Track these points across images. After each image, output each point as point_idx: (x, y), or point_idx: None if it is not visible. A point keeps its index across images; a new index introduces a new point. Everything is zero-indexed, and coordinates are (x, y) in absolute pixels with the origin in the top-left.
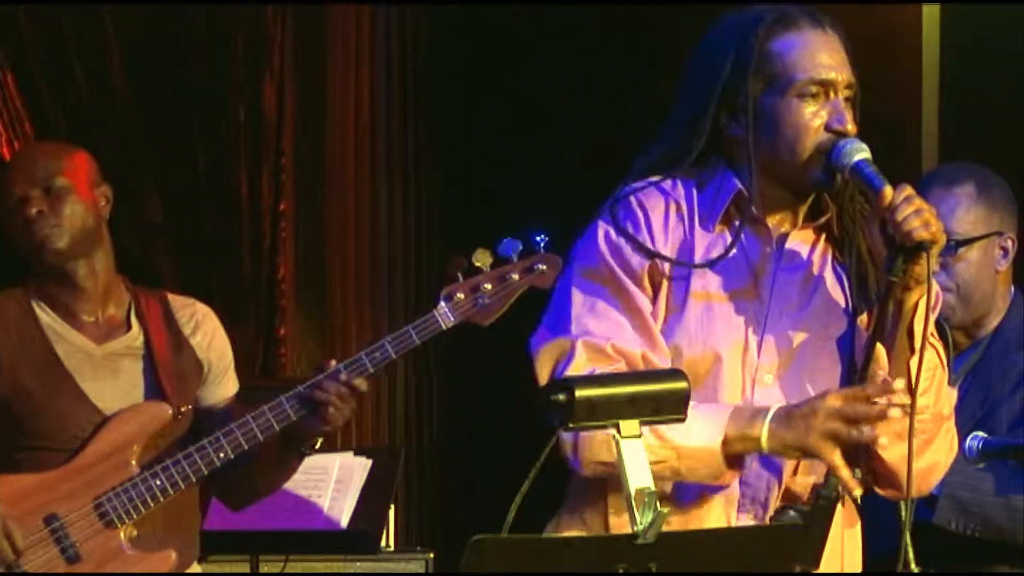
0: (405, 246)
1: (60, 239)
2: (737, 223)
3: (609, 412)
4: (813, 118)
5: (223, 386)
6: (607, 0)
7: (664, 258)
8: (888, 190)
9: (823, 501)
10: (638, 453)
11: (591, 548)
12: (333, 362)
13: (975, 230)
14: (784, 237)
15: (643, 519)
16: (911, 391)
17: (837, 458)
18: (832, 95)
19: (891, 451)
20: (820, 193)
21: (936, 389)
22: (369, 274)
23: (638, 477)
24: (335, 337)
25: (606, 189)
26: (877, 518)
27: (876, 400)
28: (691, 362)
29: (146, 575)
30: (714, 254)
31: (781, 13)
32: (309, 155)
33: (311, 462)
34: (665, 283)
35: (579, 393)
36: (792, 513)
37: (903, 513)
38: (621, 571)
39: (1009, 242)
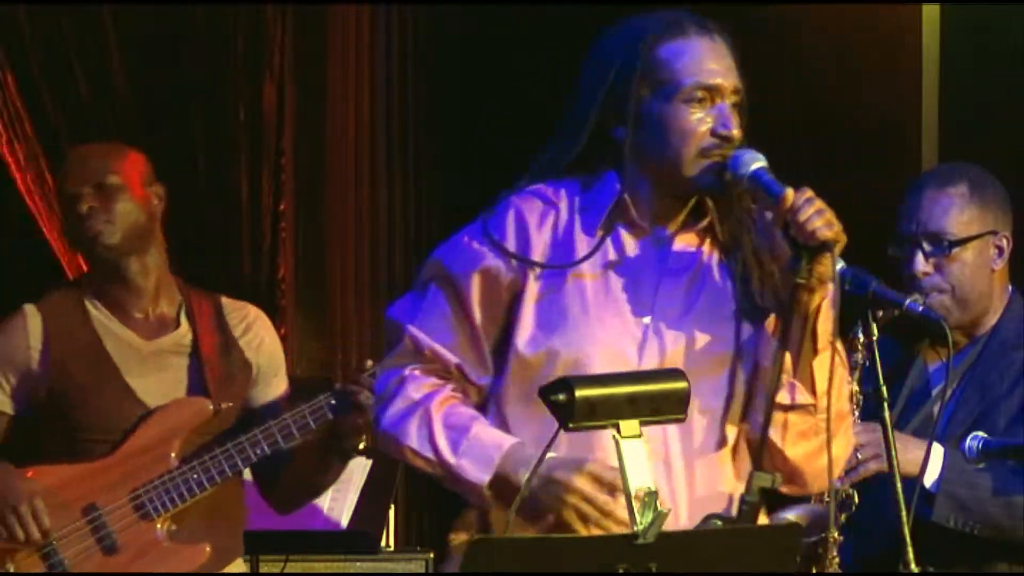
0: (405, 246)
1: (112, 235)
2: (617, 226)
3: (609, 412)
4: (699, 123)
5: (273, 388)
6: (607, 1)
7: (530, 262)
8: (790, 192)
9: (747, 507)
10: (638, 453)
11: (591, 548)
12: (370, 362)
13: (969, 230)
14: (668, 240)
15: (643, 519)
16: (817, 390)
17: (581, 529)
18: (718, 100)
19: (793, 450)
20: (703, 197)
21: (837, 388)
22: (369, 274)
23: (638, 477)
24: (335, 337)
25: None
26: (876, 518)
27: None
28: (567, 365)
29: (175, 572)
30: (592, 257)
31: (670, 20)
32: (309, 155)
33: None
34: (535, 286)
35: (579, 393)
36: (718, 522)
37: (903, 513)
38: (621, 571)
39: (1004, 241)
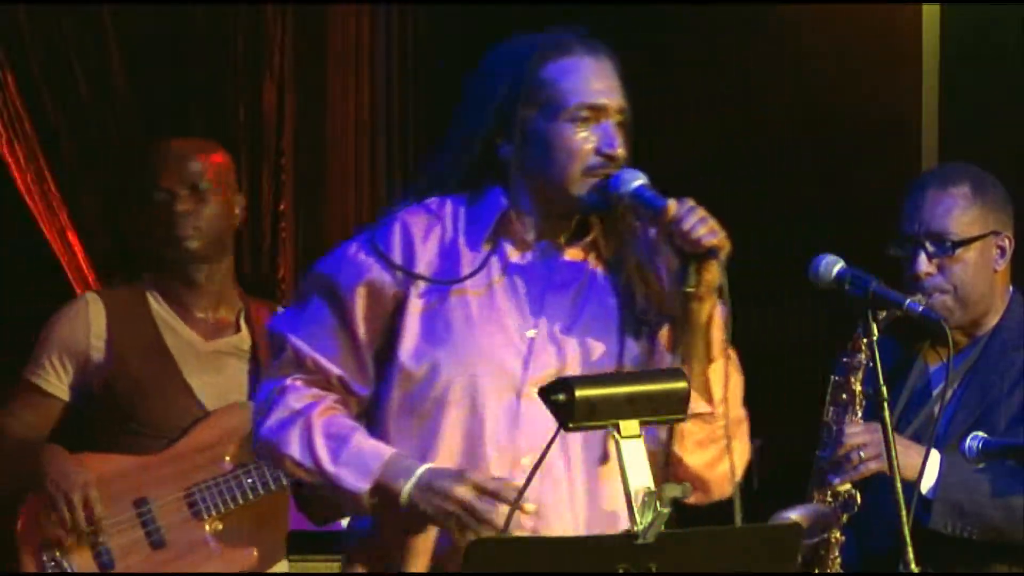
0: None
1: (195, 240)
2: (502, 240)
3: (609, 412)
4: (584, 142)
5: None
6: (607, 1)
7: (415, 276)
8: (672, 204)
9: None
10: (638, 453)
11: (591, 548)
12: None
13: (971, 231)
14: (553, 255)
15: (643, 519)
16: (714, 398)
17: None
18: (603, 119)
19: (692, 458)
20: (587, 214)
21: (733, 395)
22: None
23: (638, 477)
24: None
25: None
26: (876, 516)
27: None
28: (450, 378)
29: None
30: (477, 271)
31: (556, 40)
32: (309, 155)
33: None
34: (419, 300)
35: (579, 393)
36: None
37: (903, 513)
38: (621, 571)
39: (1006, 241)
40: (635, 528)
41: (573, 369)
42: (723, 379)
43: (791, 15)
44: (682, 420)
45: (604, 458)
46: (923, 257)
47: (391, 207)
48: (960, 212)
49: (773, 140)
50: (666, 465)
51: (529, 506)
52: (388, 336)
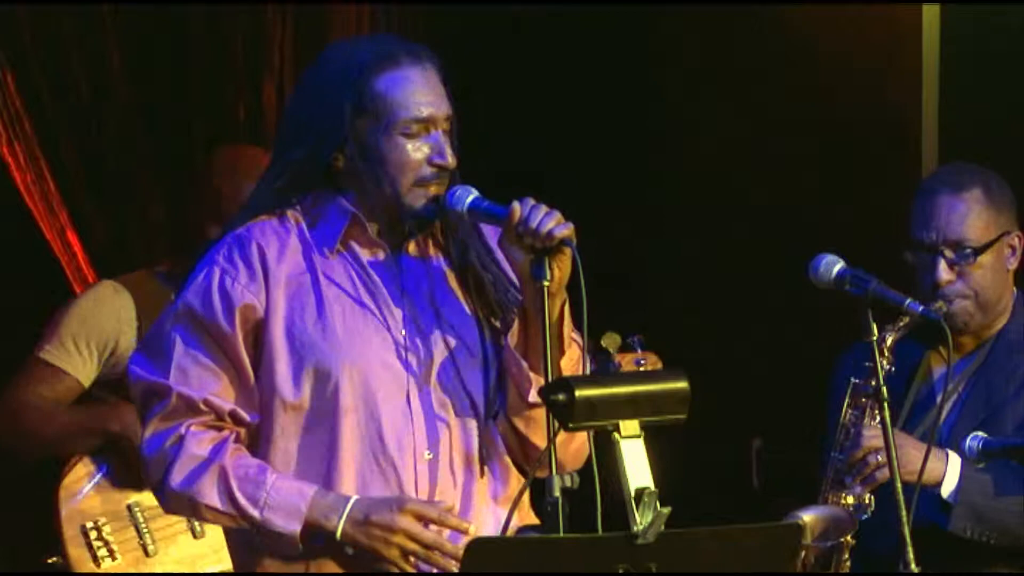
0: None
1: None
2: (352, 244)
3: (609, 412)
4: (415, 152)
5: None
6: (607, 1)
7: (276, 290)
8: (516, 206)
9: (551, 508)
10: (638, 453)
11: (591, 548)
12: None
13: (989, 235)
14: (401, 255)
15: (643, 519)
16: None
17: (406, 567)
18: (432, 130)
19: (539, 438)
20: (421, 222)
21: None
22: None
23: (638, 477)
24: None
25: (607, 189)
26: (878, 520)
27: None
28: (340, 385)
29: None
30: (336, 278)
31: (382, 52)
32: None
33: None
34: (281, 320)
35: (579, 393)
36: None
37: (903, 514)
38: (621, 571)
39: (1016, 239)
40: (635, 528)
41: (448, 357)
42: (575, 367)
43: (791, 15)
44: (682, 420)
45: (472, 449)
46: (943, 265)
47: (231, 224)
48: (975, 218)
49: (773, 140)
50: (521, 449)
51: (471, 528)
52: (261, 359)
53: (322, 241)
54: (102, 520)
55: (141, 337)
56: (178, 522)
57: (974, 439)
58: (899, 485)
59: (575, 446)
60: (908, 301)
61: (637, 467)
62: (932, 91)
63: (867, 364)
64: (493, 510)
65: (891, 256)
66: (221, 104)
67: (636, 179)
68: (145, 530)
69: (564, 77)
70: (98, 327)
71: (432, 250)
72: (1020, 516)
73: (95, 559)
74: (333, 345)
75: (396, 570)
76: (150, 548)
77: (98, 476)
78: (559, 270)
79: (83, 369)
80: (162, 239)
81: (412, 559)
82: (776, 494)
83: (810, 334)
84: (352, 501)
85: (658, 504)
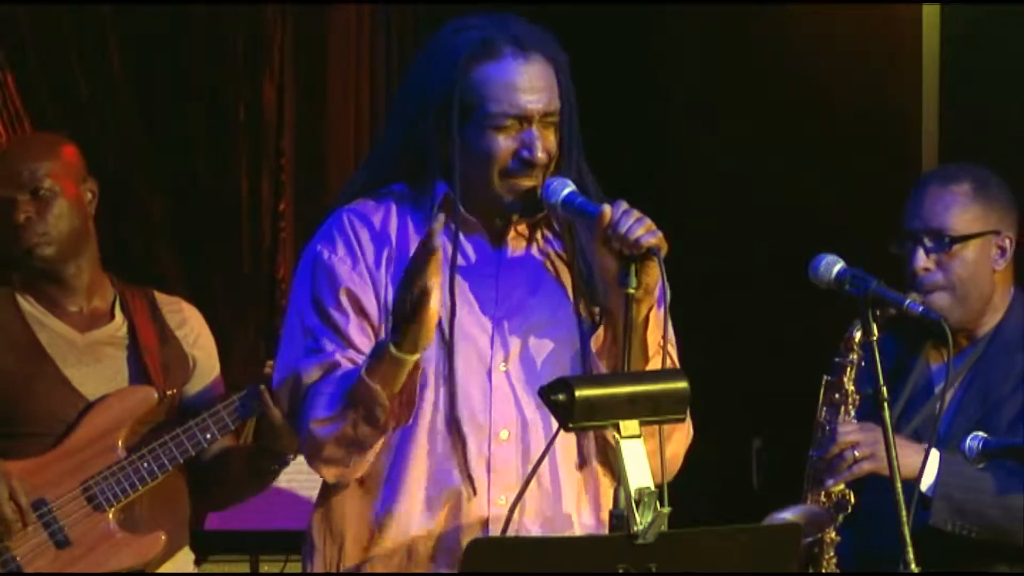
0: None
1: (48, 247)
2: (451, 225)
3: (609, 412)
4: (505, 146)
5: (208, 384)
6: (609, 0)
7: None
8: (607, 209)
9: (616, 520)
10: (638, 453)
11: (591, 548)
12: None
13: (971, 228)
14: (503, 241)
15: (643, 519)
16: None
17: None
18: (526, 125)
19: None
20: (517, 217)
21: None
22: None
23: (638, 477)
24: None
25: (606, 189)
26: (876, 516)
27: None
28: (427, 357)
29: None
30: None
31: (485, 40)
32: (309, 155)
33: None
34: (389, 289)
35: (579, 393)
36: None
37: (903, 513)
38: (621, 571)
39: (1007, 241)
40: (635, 528)
41: (534, 339)
42: None
43: (791, 15)
44: (682, 420)
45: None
46: (921, 253)
47: (338, 202)
48: (959, 209)
49: (773, 140)
50: (605, 454)
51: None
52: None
53: (422, 221)
54: None
55: None
56: (37, 535)
57: (974, 439)
58: (899, 485)
59: (668, 455)
60: (908, 301)
61: (637, 467)
62: (932, 91)
63: (836, 360)
64: (574, 507)
65: (891, 256)
66: (221, 104)
67: (636, 179)
68: (3, 553)
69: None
70: None
71: (539, 240)
72: (1001, 509)
73: None
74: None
75: None
76: (11, 567)
77: None
78: (647, 277)
79: None
80: (161, 239)
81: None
82: (777, 495)
83: (810, 334)
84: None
85: (658, 504)
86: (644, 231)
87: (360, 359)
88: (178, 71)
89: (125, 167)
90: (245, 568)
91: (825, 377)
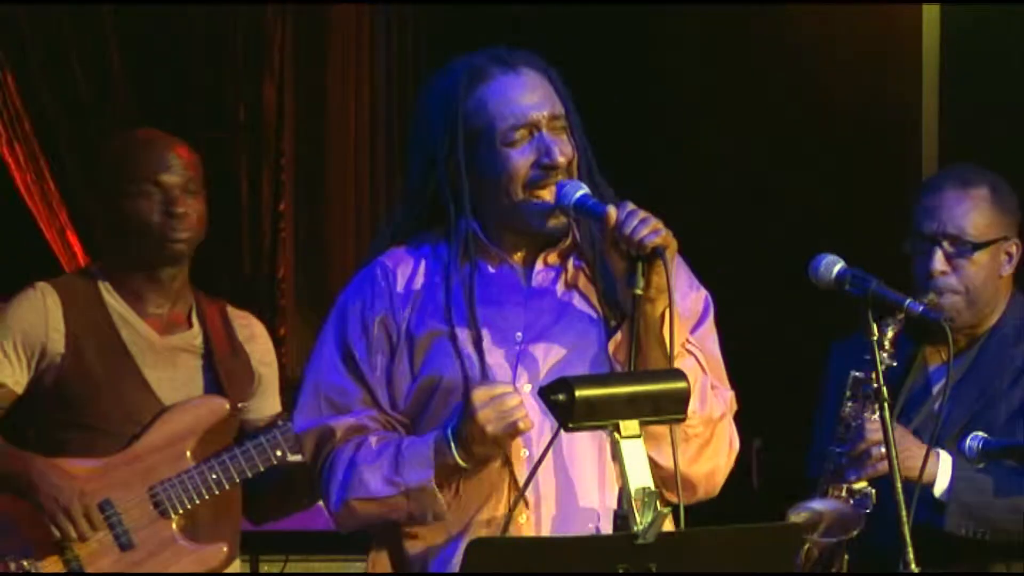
0: None
1: (185, 244)
2: (477, 259)
3: (609, 412)
4: (522, 159)
5: (270, 402)
6: (608, 1)
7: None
8: (612, 209)
9: (621, 521)
10: (638, 453)
11: (591, 548)
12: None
13: (989, 234)
14: (531, 265)
15: (643, 519)
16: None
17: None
18: (535, 132)
19: (667, 459)
20: (548, 236)
21: (699, 394)
22: None
23: (638, 477)
24: None
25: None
26: (878, 518)
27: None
28: (453, 382)
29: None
30: (476, 293)
31: (471, 68)
32: (309, 155)
33: None
34: (406, 331)
35: (579, 393)
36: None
37: (903, 513)
38: (621, 571)
39: (1014, 247)
40: (635, 528)
41: (560, 363)
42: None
43: (791, 15)
44: (682, 420)
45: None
46: (939, 256)
47: (369, 255)
48: (978, 214)
49: (773, 140)
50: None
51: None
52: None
53: (453, 258)
54: (25, 551)
55: (68, 341)
56: (104, 537)
57: (974, 439)
58: (899, 485)
59: (707, 467)
60: (908, 301)
61: (637, 467)
62: (932, 91)
63: (867, 357)
64: (593, 516)
65: (891, 256)
66: (221, 104)
67: (636, 179)
68: (68, 553)
69: (564, 77)
70: (31, 332)
71: (570, 269)
72: (1009, 512)
73: None
74: (448, 352)
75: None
76: (74, 566)
77: (17, 505)
78: (657, 277)
79: (12, 375)
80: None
81: (505, 411)
82: (777, 494)
83: (810, 334)
84: (448, 427)
85: (658, 504)
86: (648, 231)
87: (380, 417)
88: (178, 71)
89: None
90: (245, 568)
91: (852, 372)
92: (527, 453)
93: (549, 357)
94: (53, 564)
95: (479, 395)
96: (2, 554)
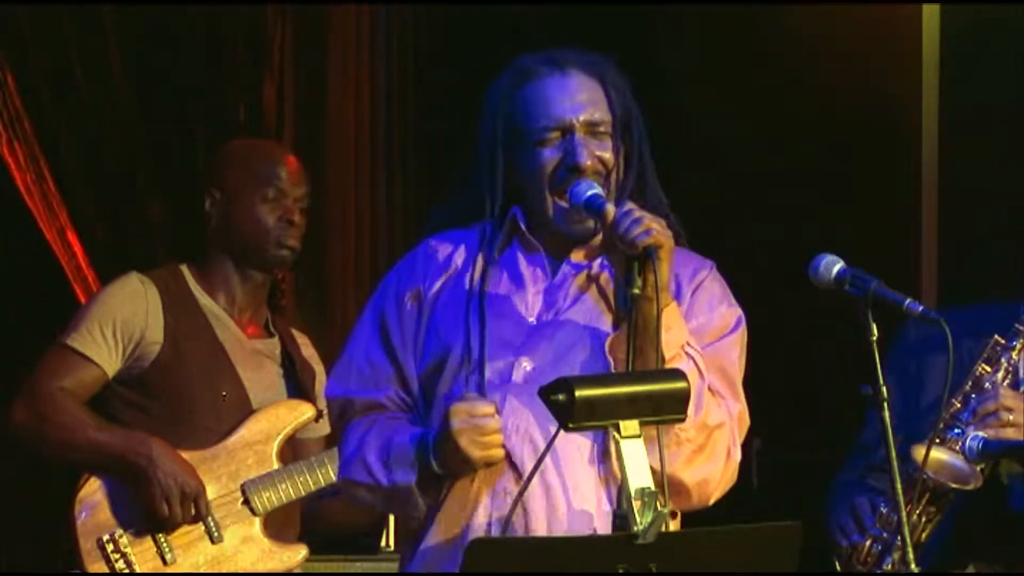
0: (405, 246)
1: (292, 253)
2: (515, 247)
3: (609, 412)
4: (550, 158)
5: (323, 422)
6: (609, 1)
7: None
8: (610, 209)
9: (620, 521)
10: (638, 453)
11: (591, 548)
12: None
13: None
14: (561, 260)
15: (643, 519)
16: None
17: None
18: (568, 134)
19: (657, 461)
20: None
21: (694, 398)
22: (369, 273)
23: (638, 477)
24: (335, 337)
25: None
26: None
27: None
28: (456, 355)
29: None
30: (502, 275)
31: (522, 68)
32: (309, 155)
33: None
34: (431, 300)
35: (579, 393)
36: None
37: (902, 513)
38: (621, 571)
39: None
40: (635, 528)
41: (565, 348)
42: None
43: (791, 15)
44: (682, 420)
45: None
46: None
47: (423, 230)
48: None
49: (773, 140)
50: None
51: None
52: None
53: (490, 241)
54: (118, 532)
55: (166, 331)
56: (196, 528)
57: (974, 439)
58: (899, 485)
59: (697, 476)
60: (908, 301)
61: (637, 467)
62: (932, 91)
63: (1017, 326)
64: (591, 517)
65: (891, 256)
66: (221, 104)
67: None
68: (162, 539)
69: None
70: (130, 319)
71: (596, 266)
72: None
73: (113, 572)
74: (460, 326)
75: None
76: (167, 556)
77: (113, 487)
78: (650, 277)
79: (108, 359)
80: (161, 239)
81: (483, 441)
82: (776, 494)
83: (810, 334)
84: (429, 446)
85: (658, 504)
86: (640, 230)
87: (396, 398)
88: (178, 71)
89: (125, 167)
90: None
91: (996, 336)
92: (525, 454)
93: (555, 340)
94: (146, 547)
95: (457, 411)
96: (100, 529)
